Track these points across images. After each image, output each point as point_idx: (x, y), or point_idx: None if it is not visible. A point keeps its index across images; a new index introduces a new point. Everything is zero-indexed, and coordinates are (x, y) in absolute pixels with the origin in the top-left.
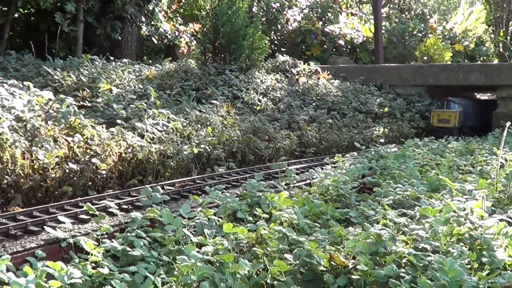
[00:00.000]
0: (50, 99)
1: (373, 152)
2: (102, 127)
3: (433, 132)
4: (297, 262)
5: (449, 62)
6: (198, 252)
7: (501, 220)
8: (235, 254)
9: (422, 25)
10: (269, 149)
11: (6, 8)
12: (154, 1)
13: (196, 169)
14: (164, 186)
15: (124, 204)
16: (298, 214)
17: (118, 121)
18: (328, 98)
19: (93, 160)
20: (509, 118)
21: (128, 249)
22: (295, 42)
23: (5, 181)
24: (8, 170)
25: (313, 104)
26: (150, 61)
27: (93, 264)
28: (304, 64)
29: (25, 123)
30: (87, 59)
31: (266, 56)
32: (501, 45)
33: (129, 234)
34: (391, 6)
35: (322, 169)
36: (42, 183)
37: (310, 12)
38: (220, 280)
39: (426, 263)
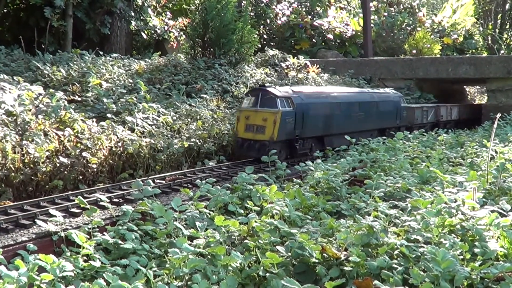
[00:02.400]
0: (40, 94)
1: (363, 145)
2: (93, 121)
3: (241, 148)
4: (289, 254)
5: (438, 55)
6: (190, 245)
7: (492, 211)
8: (227, 247)
9: (411, 18)
10: None
11: None
12: None
13: (187, 163)
14: (155, 180)
15: (115, 198)
16: (289, 206)
17: (108, 115)
18: None
19: (84, 154)
20: (499, 110)
21: (120, 242)
22: (284, 36)
23: None
24: None
25: None
26: (139, 55)
27: (85, 257)
28: (293, 58)
29: (15, 117)
30: (77, 53)
31: (255, 50)
32: (489, 38)
33: (120, 227)
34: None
35: (313, 162)
36: (33, 177)
37: (299, 6)
38: (212, 273)
39: (418, 254)
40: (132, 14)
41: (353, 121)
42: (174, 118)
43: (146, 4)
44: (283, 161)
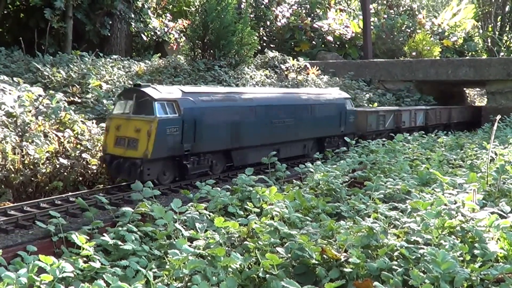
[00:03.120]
0: (40, 95)
1: (363, 147)
2: (92, 123)
3: (109, 167)
4: (289, 255)
5: (438, 58)
6: (189, 246)
7: (492, 213)
8: (227, 248)
9: (411, 20)
10: None
11: None
12: None
13: None
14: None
15: (115, 199)
16: (289, 208)
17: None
18: None
19: (84, 155)
20: (498, 112)
21: (120, 243)
22: (284, 38)
23: None
24: None
25: None
26: (139, 57)
27: (85, 258)
28: (293, 60)
29: (15, 118)
30: (77, 55)
31: (255, 52)
32: (489, 40)
33: (120, 228)
34: (380, 2)
35: (313, 164)
36: (32, 178)
37: (299, 8)
38: (212, 274)
39: (418, 256)
40: (132, 15)
41: (275, 129)
42: None
43: (146, 6)
44: (167, 184)
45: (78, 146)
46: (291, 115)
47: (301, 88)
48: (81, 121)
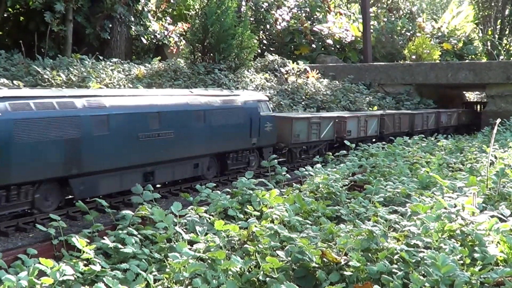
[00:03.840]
0: None
1: (363, 150)
2: None
3: None
4: (289, 258)
5: (437, 61)
6: (190, 249)
7: (492, 216)
8: (227, 251)
9: (411, 24)
10: None
11: None
12: (143, 0)
13: None
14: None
15: (114, 202)
16: (289, 211)
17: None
18: (317, 97)
19: None
20: (498, 115)
21: (120, 246)
22: (284, 42)
23: None
24: None
25: (303, 103)
26: (139, 60)
27: (85, 262)
28: (293, 63)
29: None
30: (77, 58)
31: (255, 55)
32: (489, 43)
33: (120, 231)
34: (379, 5)
35: (312, 167)
36: None
37: (299, 12)
38: (212, 277)
39: (418, 259)
40: (132, 19)
41: (145, 146)
42: None
43: (146, 9)
44: None
45: None
46: (172, 125)
47: (197, 89)
48: None
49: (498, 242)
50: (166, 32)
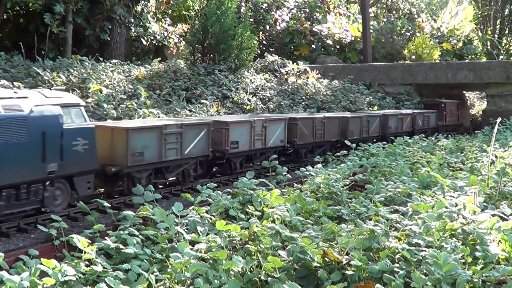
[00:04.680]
0: None
1: (363, 150)
2: None
3: None
4: (291, 258)
5: (437, 61)
6: (191, 249)
7: (493, 215)
8: (229, 251)
9: (410, 24)
10: None
11: None
12: (142, 2)
13: None
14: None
15: (116, 203)
16: (290, 211)
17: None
18: (318, 97)
19: None
20: (498, 115)
21: (121, 247)
22: (284, 42)
23: None
24: None
25: (303, 103)
26: (139, 61)
27: (87, 262)
28: (293, 63)
29: None
30: (77, 59)
31: (255, 56)
32: (489, 43)
33: (122, 232)
34: (379, 5)
35: (313, 167)
36: None
37: (298, 12)
38: (214, 277)
39: (420, 258)
40: (132, 20)
41: None
42: None
43: (145, 10)
44: None
45: None
46: None
47: None
48: None
49: (499, 240)
50: (166, 33)
